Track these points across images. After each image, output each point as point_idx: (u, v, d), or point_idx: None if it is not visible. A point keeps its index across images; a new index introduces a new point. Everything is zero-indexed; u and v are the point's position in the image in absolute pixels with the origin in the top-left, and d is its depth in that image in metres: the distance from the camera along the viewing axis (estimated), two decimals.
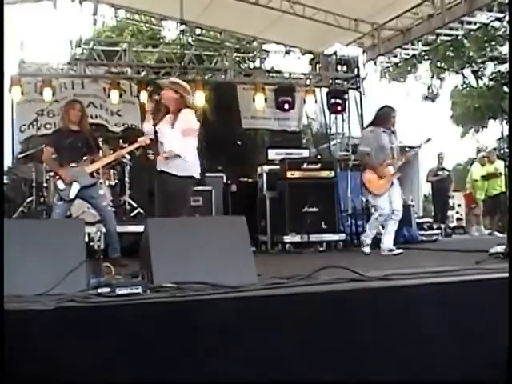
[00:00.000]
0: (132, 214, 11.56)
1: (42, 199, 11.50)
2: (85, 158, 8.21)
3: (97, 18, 15.84)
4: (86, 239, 5.56)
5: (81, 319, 3.42)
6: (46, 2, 14.50)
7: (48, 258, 4.09)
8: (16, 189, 13.40)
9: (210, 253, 4.40)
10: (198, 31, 16.12)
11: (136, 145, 8.65)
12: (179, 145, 7.17)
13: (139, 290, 3.77)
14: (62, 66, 14.05)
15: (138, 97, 14.42)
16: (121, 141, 11.43)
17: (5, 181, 12.30)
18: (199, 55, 14.93)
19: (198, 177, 7.43)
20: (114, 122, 14.33)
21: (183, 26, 15.39)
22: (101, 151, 8.65)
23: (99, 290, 3.79)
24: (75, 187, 8.04)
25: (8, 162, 13.77)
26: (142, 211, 11.62)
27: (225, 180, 12.99)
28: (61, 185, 8.08)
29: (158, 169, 7.19)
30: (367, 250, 9.09)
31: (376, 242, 9.66)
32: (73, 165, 8.12)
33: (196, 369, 3.48)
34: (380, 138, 8.96)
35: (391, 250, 8.78)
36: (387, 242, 8.96)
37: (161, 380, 3.45)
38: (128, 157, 11.64)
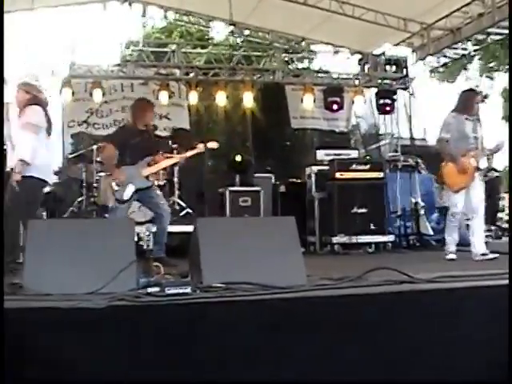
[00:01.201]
0: (181, 214, 11.58)
1: (92, 199, 11.58)
2: (145, 159, 8.15)
3: (146, 19, 16.01)
4: (135, 239, 5.59)
5: (131, 318, 3.44)
6: (96, 4, 14.68)
7: (98, 257, 4.12)
8: (66, 189, 13.56)
9: (259, 253, 4.39)
10: (246, 32, 16.12)
11: (195, 151, 8.67)
12: (18, 140, 6.89)
13: (188, 290, 3.78)
14: (111, 68, 14.17)
15: (187, 98, 14.47)
16: (170, 142, 11.50)
17: (55, 181, 12.42)
18: (248, 56, 14.99)
19: (47, 178, 7.20)
20: (163, 126, 14.31)
21: (232, 27, 15.42)
22: (160, 154, 8.52)
23: (149, 290, 3.82)
24: (130, 189, 7.99)
25: (59, 162, 13.91)
26: (190, 211, 11.67)
27: (273, 180, 12.99)
28: (115, 185, 8.07)
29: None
30: (450, 256, 8.14)
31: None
32: (129, 166, 8.05)
33: (246, 368, 3.48)
34: (463, 125, 8.21)
35: (484, 255, 7.90)
36: (478, 245, 8.05)
37: (209, 379, 3.45)
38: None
